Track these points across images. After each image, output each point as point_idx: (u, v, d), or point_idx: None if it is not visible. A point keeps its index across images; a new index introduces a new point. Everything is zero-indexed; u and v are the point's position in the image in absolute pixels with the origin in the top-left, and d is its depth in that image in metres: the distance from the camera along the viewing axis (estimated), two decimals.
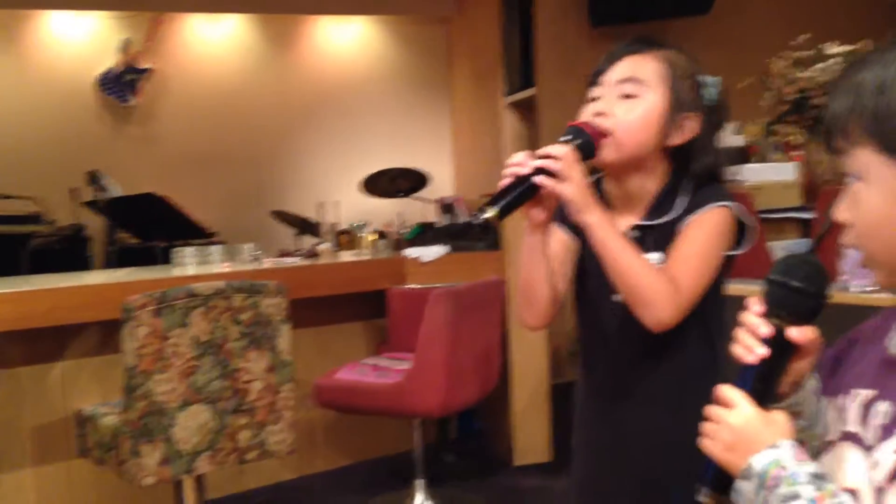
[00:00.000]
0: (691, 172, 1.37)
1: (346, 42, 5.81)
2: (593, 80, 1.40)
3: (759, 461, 0.80)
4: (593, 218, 1.29)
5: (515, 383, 3.68)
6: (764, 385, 0.86)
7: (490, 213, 1.25)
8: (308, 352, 3.65)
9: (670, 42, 1.42)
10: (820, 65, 3.07)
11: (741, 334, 0.87)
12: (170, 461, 2.44)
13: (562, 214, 1.42)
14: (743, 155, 3.48)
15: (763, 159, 3.40)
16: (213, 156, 5.45)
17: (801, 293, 0.84)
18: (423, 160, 5.22)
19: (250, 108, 5.54)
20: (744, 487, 0.81)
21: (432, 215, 4.61)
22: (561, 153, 1.27)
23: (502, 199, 1.27)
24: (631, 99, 1.35)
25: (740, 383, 0.86)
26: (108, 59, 5.29)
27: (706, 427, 0.86)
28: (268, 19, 5.60)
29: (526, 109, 4.93)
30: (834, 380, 0.91)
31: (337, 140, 5.71)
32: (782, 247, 3.05)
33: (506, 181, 1.29)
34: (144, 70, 5.35)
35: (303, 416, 3.61)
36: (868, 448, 0.81)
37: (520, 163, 1.29)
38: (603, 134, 1.34)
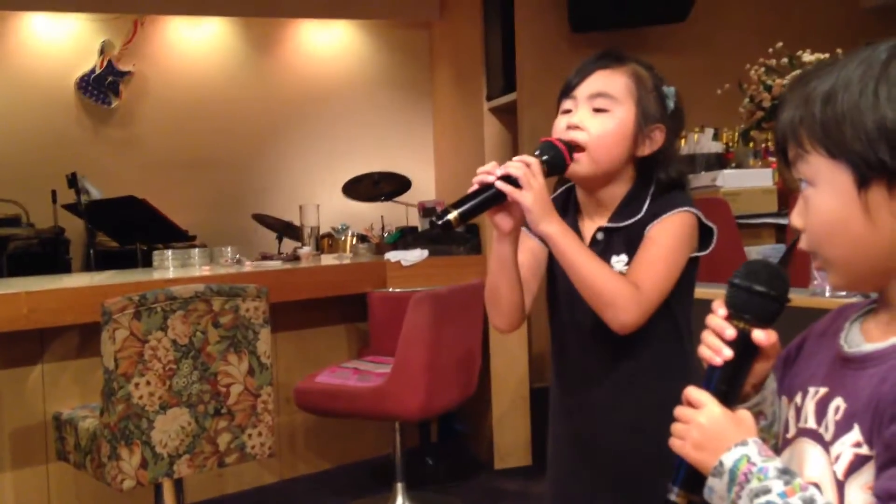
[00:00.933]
0: (657, 179, 1.44)
1: (327, 46, 5.81)
2: (565, 93, 1.46)
3: (729, 458, 0.83)
4: (552, 228, 1.34)
5: (496, 387, 3.70)
6: (729, 386, 0.88)
7: (451, 216, 1.31)
8: (289, 355, 3.65)
9: (633, 56, 1.49)
10: (796, 72, 3.11)
11: (707, 336, 0.89)
12: (149, 465, 2.44)
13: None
14: (721, 161, 3.53)
15: (741, 165, 3.45)
16: (193, 159, 5.44)
17: (763, 296, 0.87)
18: (404, 164, 5.23)
19: (231, 111, 5.54)
20: (715, 484, 0.83)
21: (414, 219, 4.63)
22: (520, 165, 1.33)
23: (465, 203, 1.32)
24: (603, 113, 1.42)
25: (706, 384, 0.89)
26: (89, 62, 5.27)
27: (675, 428, 0.88)
28: (249, 22, 5.59)
29: (507, 114, 4.95)
30: (787, 378, 0.94)
31: (319, 143, 5.71)
32: (759, 251, 3.09)
33: (473, 187, 1.34)
34: (125, 73, 5.33)
35: (284, 420, 3.62)
36: (826, 444, 0.83)
37: (488, 171, 1.34)
38: (578, 148, 1.41)
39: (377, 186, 4.70)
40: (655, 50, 4.28)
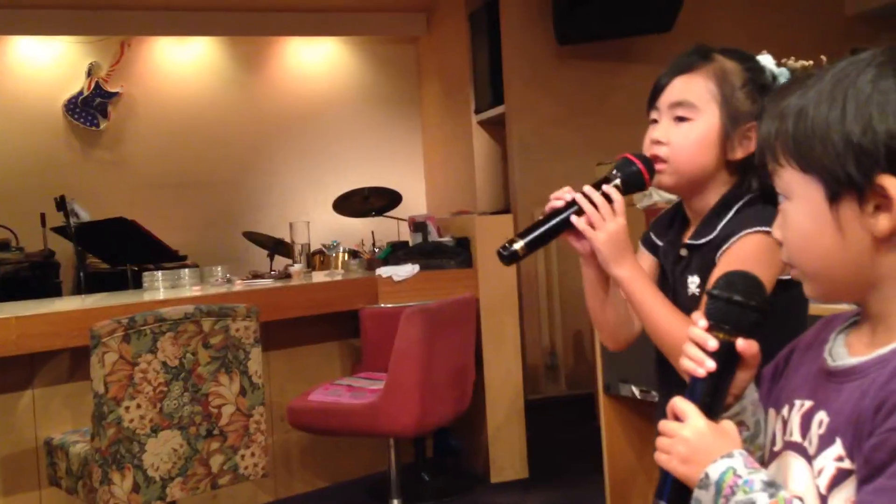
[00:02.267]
0: (745, 187, 1.34)
1: (315, 63, 5.82)
2: (651, 101, 1.39)
3: (715, 470, 0.83)
4: (623, 272, 1.29)
5: (491, 400, 3.69)
6: (712, 397, 0.88)
7: (518, 246, 1.26)
8: (282, 373, 3.63)
9: (721, 50, 1.38)
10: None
11: (689, 349, 0.89)
12: (141, 489, 2.42)
13: (644, 237, 1.44)
14: None
15: None
16: (183, 178, 5.44)
17: (743, 307, 0.87)
18: (394, 178, 5.23)
19: (220, 129, 5.54)
20: (702, 497, 0.83)
21: (405, 234, 4.62)
22: (600, 202, 1.27)
23: (533, 232, 1.28)
24: (685, 122, 1.34)
25: (690, 396, 0.89)
26: (76, 84, 5.27)
27: (660, 442, 0.88)
28: (237, 41, 5.61)
29: (496, 126, 4.97)
30: (775, 391, 0.94)
31: (308, 160, 5.71)
32: None
33: (547, 211, 1.29)
34: (113, 94, 5.33)
35: (278, 439, 3.60)
36: (810, 457, 0.83)
37: (560, 196, 1.29)
38: (659, 161, 1.34)
39: (367, 202, 4.70)
40: (641, 61, 4.30)
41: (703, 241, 1.34)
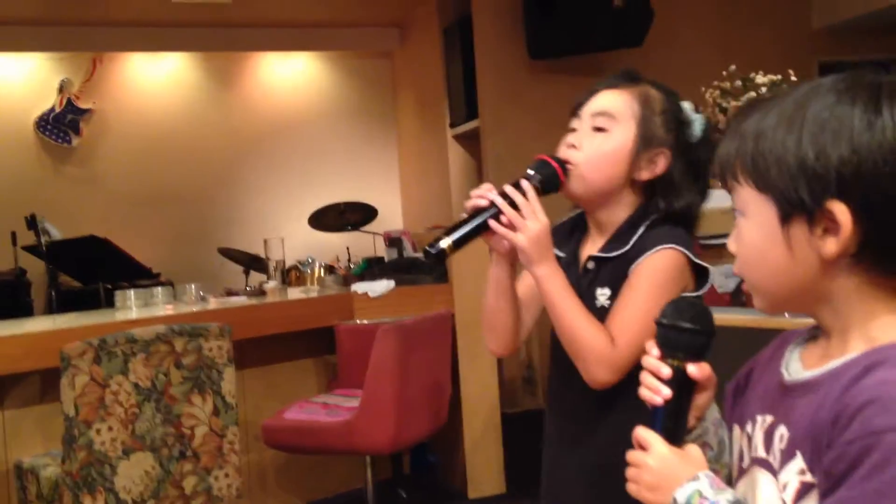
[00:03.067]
0: (651, 208, 1.38)
1: (289, 78, 5.82)
2: (574, 112, 1.42)
3: (681, 494, 0.84)
4: (541, 270, 1.32)
5: (467, 415, 3.68)
6: (674, 423, 0.90)
7: (445, 244, 1.27)
8: (257, 391, 3.61)
9: (653, 80, 1.43)
10: (750, 94, 3.16)
11: (646, 378, 0.91)
12: None
13: None
14: None
15: None
16: (157, 195, 5.40)
17: (692, 333, 0.89)
18: (370, 193, 5.23)
19: (194, 145, 5.51)
20: None
21: (381, 249, 4.62)
22: (521, 202, 1.29)
23: (458, 230, 1.29)
24: (601, 132, 1.38)
25: (652, 424, 0.91)
26: (48, 101, 5.23)
27: (629, 472, 0.90)
28: (210, 57, 5.59)
29: (471, 140, 4.98)
30: (738, 407, 0.95)
31: (283, 175, 5.70)
32: (721, 271, 3.12)
33: (467, 211, 1.31)
34: (85, 110, 5.29)
35: (253, 458, 3.57)
36: (774, 471, 0.84)
37: (482, 195, 1.31)
38: (568, 163, 1.37)
39: (343, 216, 4.70)
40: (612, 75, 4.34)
41: (614, 254, 1.38)
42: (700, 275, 1.37)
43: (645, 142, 1.37)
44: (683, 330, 0.89)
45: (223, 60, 5.62)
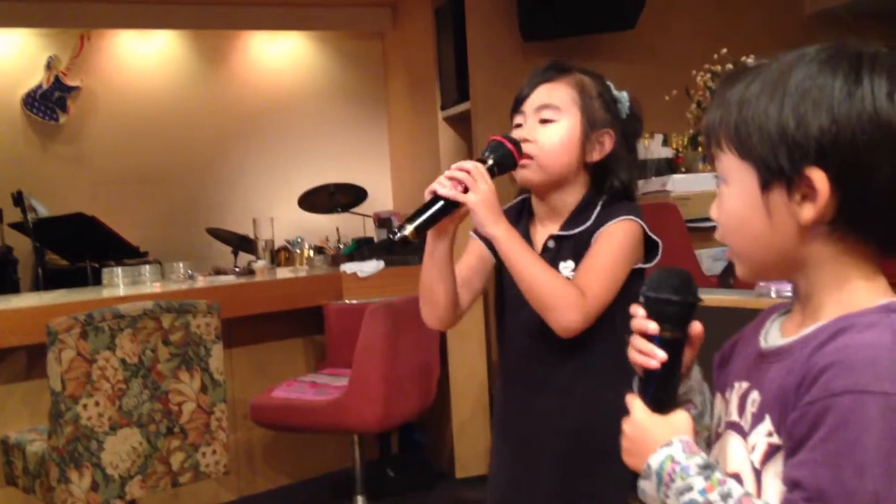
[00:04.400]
0: (607, 186, 1.48)
1: (280, 57, 5.78)
2: (515, 108, 1.51)
3: (654, 460, 0.86)
4: (499, 230, 1.37)
5: (455, 395, 3.69)
6: (664, 391, 0.91)
7: (408, 230, 1.32)
8: (245, 370, 3.60)
9: (578, 66, 1.53)
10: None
11: (638, 342, 0.92)
12: (100, 487, 2.38)
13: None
14: (670, 166, 3.57)
15: (690, 170, 3.50)
16: (145, 174, 5.36)
17: (679, 305, 0.90)
18: (360, 175, 5.21)
19: (183, 124, 5.47)
20: (646, 486, 0.87)
21: (370, 230, 4.61)
22: (469, 166, 1.35)
23: (419, 216, 1.34)
24: (549, 123, 1.47)
25: (641, 391, 0.92)
26: (35, 77, 5.17)
27: (621, 438, 0.92)
28: (200, 35, 5.54)
29: (462, 123, 4.97)
30: (721, 377, 0.97)
31: (273, 156, 5.67)
32: (710, 254, 3.14)
33: (427, 196, 1.36)
34: (73, 88, 5.24)
35: (241, 436, 3.57)
36: (745, 434, 0.87)
37: (440, 182, 1.36)
38: (525, 155, 1.44)
39: (333, 198, 4.68)
40: (605, 58, 4.33)
41: (576, 230, 1.46)
42: (650, 250, 1.47)
43: (590, 125, 1.46)
44: (670, 302, 0.90)
45: (213, 39, 5.57)
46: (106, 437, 2.39)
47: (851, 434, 0.73)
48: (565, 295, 1.35)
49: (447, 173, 1.36)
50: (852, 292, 0.83)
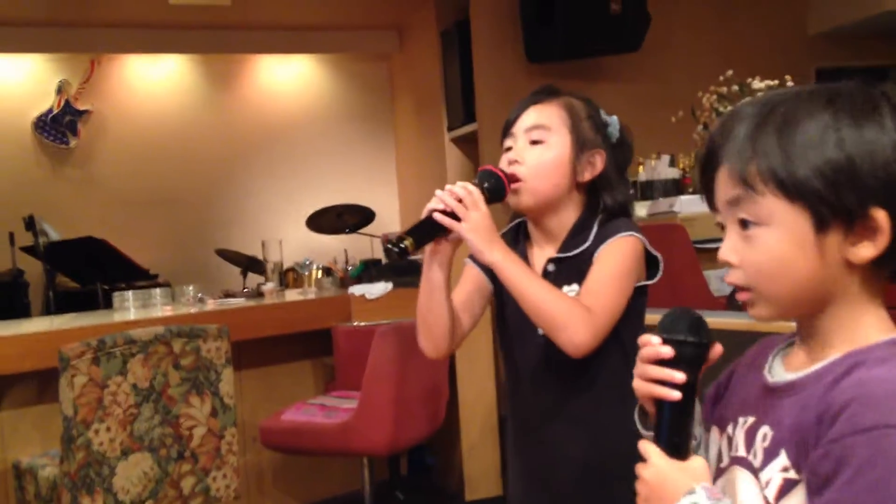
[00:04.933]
0: (602, 206, 1.47)
1: (287, 80, 5.83)
2: (505, 131, 1.50)
3: None
4: (497, 256, 1.35)
5: (465, 417, 3.69)
6: (680, 433, 0.89)
7: (407, 242, 1.31)
8: (255, 393, 3.61)
9: (567, 90, 1.53)
10: (746, 99, 3.18)
11: (653, 369, 0.90)
12: None
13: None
14: (678, 186, 3.58)
15: (697, 191, 3.50)
16: (154, 196, 5.40)
17: (694, 346, 0.88)
18: (368, 196, 5.24)
19: (192, 147, 5.51)
20: None
21: (378, 251, 4.63)
22: (462, 193, 1.34)
23: (417, 230, 1.34)
24: (539, 144, 1.46)
25: (657, 435, 0.90)
26: (46, 102, 5.23)
27: (637, 485, 0.90)
28: (208, 59, 5.59)
29: (469, 143, 5.00)
30: (718, 410, 0.96)
31: (281, 177, 5.71)
32: (717, 275, 3.14)
33: (425, 213, 1.36)
34: (83, 112, 5.29)
35: (251, 459, 3.57)
36: (756, 470, 0.86)
37: (440, 198, 1.36)
38: (515, 179, 1.43)
39: (341, 219, 4.70)
40: (610, 79, 4.36)
41: (575, 251, 1.44)
42: (651, 266, 1.45)
43: (580, 145, 1.46)
44: (687, 343, 0.88)
45: (221, 63, 5.63)
46: (117, 462, 2.40)
47: (879, 472, 0.73)
48: (573, 313, 1.33)
49: (440, 194, 1.35)
50: (863, 327, 0.84)
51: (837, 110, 0.82)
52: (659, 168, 3.62)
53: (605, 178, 1.47)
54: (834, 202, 0.80)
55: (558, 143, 1.45)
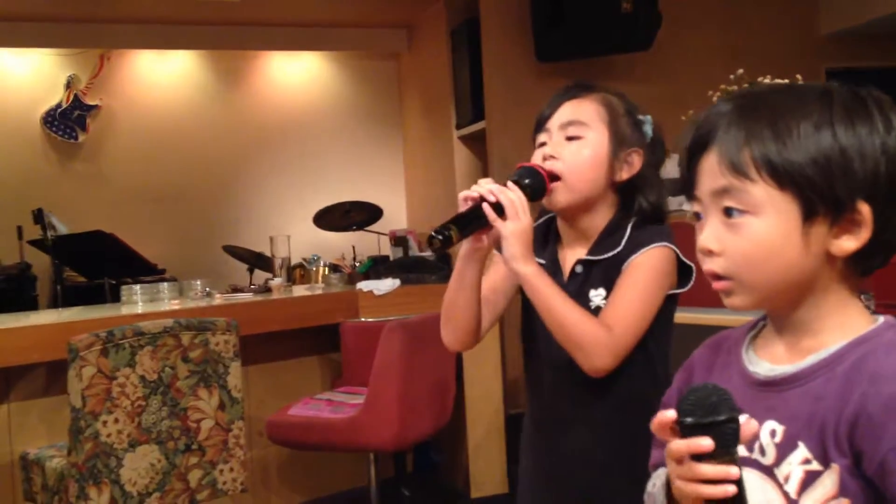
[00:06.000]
0: (637, 208, 1.41)
1: (296, 77, 5.83)
2: (538, 127, 1.45)
3: None
4: (527, 269, 1.32)
5: (471, 415, 3.68)
6: None
7: (452, 231, 1.28)
8: (262, 388, 3.61)
9: (602, 85, 1.48)
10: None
11: (701, 468, 0.78)
12: None
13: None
14: None
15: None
16: (162, 192, 5.41)
17: (733, 422, 0.78)
18: (375, 193, 5.24)
19: (200, 143, 5.52)
20: None
21: (386, 248, 4.63)
22: (514, 196, 1.31)
23: (462, 220, 1.30)
24: (576, 140, 1.40)
25: None
26: (55, 97, 5.24)
27: None
28: (218, 55, 5.60)
29: (477, 142, 4.99)
30: None
31: (289, 174, 5.71)
32: None
33: (469, 203, 1.32)
34: (92, 107, 5.31)
35: (257, 454, 3.57)
36: (767, 467, 0.85)
37: (490, 190, 1.32)
38: (555, 177, 1.39)
39: (348, 216, 4.71)
40: (621, 78, 4.35)
41: (606, 255, 1.39)
42: (683, 273, 1.40)
43: (618, 142, 1.40)
44: (730, 421, 0.77)
45: (231, 59, 5.64)
46: (125, 454, 2.40)
47: None
48: (593, 335, 1.30)
49: (489, 186, 1.31)
50: (851, 316, 0.85)
51: (831, 105, 0.83)
52: (669, 167, 3.60)
53: (643, 178, 1.41)
54: (825, 191, 0.81)
55: (596, 140, 1.39)
